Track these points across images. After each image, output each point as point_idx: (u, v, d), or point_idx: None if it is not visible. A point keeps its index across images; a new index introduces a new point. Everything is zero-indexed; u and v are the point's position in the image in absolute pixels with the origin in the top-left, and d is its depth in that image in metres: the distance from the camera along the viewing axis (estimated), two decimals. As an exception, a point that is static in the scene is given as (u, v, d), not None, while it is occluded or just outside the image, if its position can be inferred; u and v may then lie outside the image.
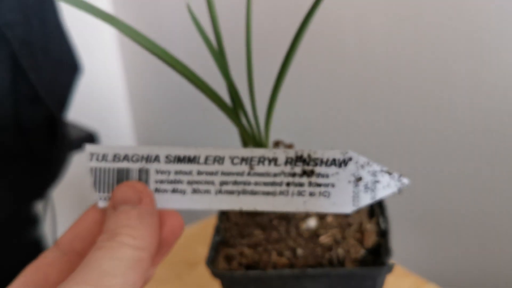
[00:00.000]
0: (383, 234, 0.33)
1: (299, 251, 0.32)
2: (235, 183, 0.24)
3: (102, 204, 0.25)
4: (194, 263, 0.56)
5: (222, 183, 0.24)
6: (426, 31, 0.52)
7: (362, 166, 0.25)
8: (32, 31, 0.53)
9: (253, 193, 0.24)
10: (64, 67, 0.57)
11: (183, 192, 0.25)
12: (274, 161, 0.24)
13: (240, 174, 0.24)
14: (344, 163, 0.25)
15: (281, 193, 0.24)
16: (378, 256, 0.32)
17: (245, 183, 0.24)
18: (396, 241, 0.35)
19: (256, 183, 0.24)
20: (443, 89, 0.53)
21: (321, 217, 0.35)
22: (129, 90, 0.98)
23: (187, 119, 0.87)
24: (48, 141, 0.58)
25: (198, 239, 0.57)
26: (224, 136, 0.79)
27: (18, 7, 0.52)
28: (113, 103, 0.97)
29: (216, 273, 0.31)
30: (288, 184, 0.24)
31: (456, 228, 0.57)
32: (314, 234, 0.33)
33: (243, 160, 0.24)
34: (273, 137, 0.34)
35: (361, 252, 0.32)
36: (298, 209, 0.24)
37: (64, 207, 0.87)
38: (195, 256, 0.56)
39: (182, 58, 0.29)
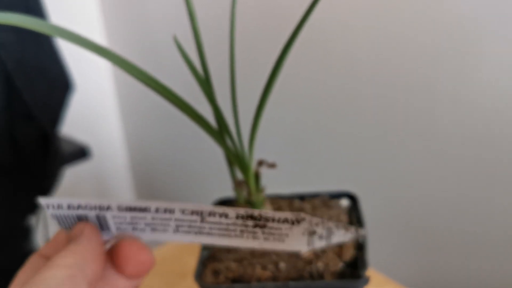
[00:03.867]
0: (360, 248, 0.35)
1: (282, 265, 0.34)
2: (190, 226, 0.26)
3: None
4: (184, 274, 0.57)
5: (178, 226, 0.26)
6: (411, 42, 0.54)
7: (316, 225, 0.27)
8: (26, 50, 0.55)
9: (209, 234, 0.26)
10: (57, 85, 0.59)
11: (143, 230, 0.27)
12: (224, 215, 0.26)
13: (193, 221, 0.26)
14: (296, 222, 0.27)
15: (236, 236, 0.26)
16: (355, 268, 0.34)
17: (199, 227, 0.26)
18: (377, 249, 0.37)
19: (211, 228, 0.26)
20: (428, 102, 0.55)
21: (303, 232, 0.37)
22: (120, 105, 1.00)
23: (177, 132, 0.89)
24: (41, 156, 0.59)
25: (188, 251, 0.59)
26: (215, 148, 0.81)
27: (12, 27, 0.54)
28: (104, 117, 0.99)
29: (204, 287, 0.33)
30: (242, 231, 0.26)
31: (436, 236, 0.59)
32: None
33: (194, 212, 0.26)
34: (257, 155, 0.36)
35: (340, 265, 0.34)
36: (254, 247, 0.26)
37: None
38: (185, 267, 0.58)
39: (170, 84, 0.31)
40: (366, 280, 0.32)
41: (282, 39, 0.31)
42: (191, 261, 0.58)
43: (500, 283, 0.56)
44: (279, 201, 0.41)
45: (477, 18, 0.48)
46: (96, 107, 0.95)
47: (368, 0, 0.55)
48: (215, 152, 0.81)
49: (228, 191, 0.43)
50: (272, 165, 0.36)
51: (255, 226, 0.26)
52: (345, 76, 0.60)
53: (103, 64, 0.95)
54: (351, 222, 0.38)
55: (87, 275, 0.24)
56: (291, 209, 0.40)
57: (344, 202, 0.41)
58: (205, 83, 0.32)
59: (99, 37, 0.90)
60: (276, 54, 0.31)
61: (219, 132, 0.34)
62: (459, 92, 0.52)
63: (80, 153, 0.68)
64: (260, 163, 0.36)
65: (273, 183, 0.42)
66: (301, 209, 0.40)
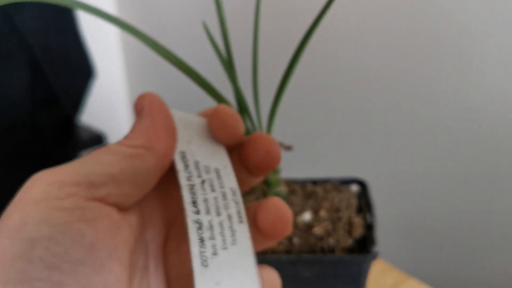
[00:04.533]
0: (369, 228, 0.37)
1: (295, 240, 0.36)
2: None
3: None
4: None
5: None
6: (417, 46, 0.56)
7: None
8: (51, 38, 0.57)
9: None
10: (80, 72, 0.61)
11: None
12: None
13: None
14: None
15: None
16: (364, 246, 0.36)
17: None
18: (380, 237, 0.39)
19: None
20: (432, 102, 0.57)
21: (315, 211, 0.39)
22: (132, 94, 1.03)
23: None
24: (61, 142, 0.62)
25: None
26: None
27: (39, 16, 0.56)
28: (118, 106, 1.01)
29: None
30: None
31: (438, 225, 0.61)
32: (309, 226, 0.37)
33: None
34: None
35: (349, 242, 0.36)
36: None
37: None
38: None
39: (192, 65, 0.33)
40: (375, 255, 0.34)
41: (303, 29, 0.33)
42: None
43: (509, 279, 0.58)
44: (293, 184, 0.43)
45: (479, 23, 0.50)
46: (110, 95, 0.98)
47: (375, 6, 0.57)
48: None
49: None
50: (288, 148, 0.38)
51: None
52: (356, 74, 0.63)
53: (117, 55, 0.97)
54: (360, 206, 0.40)
55: (152, 154, 0.21)
56: (304, 192, 0.42)
57: (354, 188, 0.43)
58: (228, 65, 0.35)
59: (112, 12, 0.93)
60: (297, 42, 0.33)
61: (240, 112, 0.36)
62: (462, 93, 0.54)
63: (97, 140, 0.71)
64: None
65: (285, 169, 0.45)
66: (313, 192, 0.42)
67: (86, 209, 0.18)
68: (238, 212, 0.22)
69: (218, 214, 0.21)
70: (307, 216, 0.38)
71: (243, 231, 0.21)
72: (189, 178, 0.22)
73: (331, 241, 0.36)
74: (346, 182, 0.44)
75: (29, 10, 0.55)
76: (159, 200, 0.24)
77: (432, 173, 0.60)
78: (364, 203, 0.40)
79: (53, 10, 0.57)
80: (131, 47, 0.93)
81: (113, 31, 0.91)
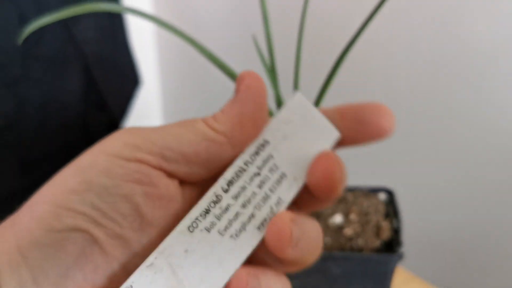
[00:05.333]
0: (396, 232, 0.40)
1: (326, 240, 0.39)
2: None
3: None
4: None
5: None
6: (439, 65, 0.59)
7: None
8: (104, 47, 0.62)
9: None
10: (128, 79, 0.65)
11: None
12: None
13: None
14: None
15: None
16: (391, 248, 0.39)
17: None
18: (405, 247, 0.41)
19: None
20: (454, 119, 0.60)
21: (346, 214, 0.42)
22: (164, 100, 1.07)
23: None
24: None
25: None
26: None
27: (94, 26, 0.61)
28: (152, 113, 1.05)
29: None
30: None
31: (463, 236, 0.63)
32: (339, 228, 0.40)
33: None
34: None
35: (377, 243, 0.39)
36: None
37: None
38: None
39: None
40: (401, 256, 0.37)
41: (343, 43, 0.37)
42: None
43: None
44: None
45: (494, 39, 0.53)
46: (142, 103, 1.02)
47: (404, 30, 0.60)
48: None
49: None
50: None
51: None
52: (386, 89, 0.66)
53: (152, 59, 1.02)
54: (387, 212, 0.43)
55: (230, 143, 0.21)
56: (335, 196, 0.45)
57: (382, 196, 0.46)
58: (271, 72, 0.38)
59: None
60: (339, 50, 0.36)
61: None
62: (477, 109, 0.56)
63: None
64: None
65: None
66: (344, 198, 0.45)
67: (146, 175, 0.19)
68: (264, 220, 0.21)
69: (244, 206, 0.21)
70: (338, 218, 0.41)
71: (252, 238, 0.20)
72: (246, 163, 0.21)
73: (360, 241, 0.39)
74: (375, 190, 0.46)
75: (85, 21, 0.60)
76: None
77: (457, 186, 0.62)
78: (391, 210, 0.43)
79: (107, 21, 0.62)
80: (166, 54, 0.98)
81: (147, 40, 0.95)
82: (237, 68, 0.41)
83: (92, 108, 0.62)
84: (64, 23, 0.59)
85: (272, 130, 0.22)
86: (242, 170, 0.21)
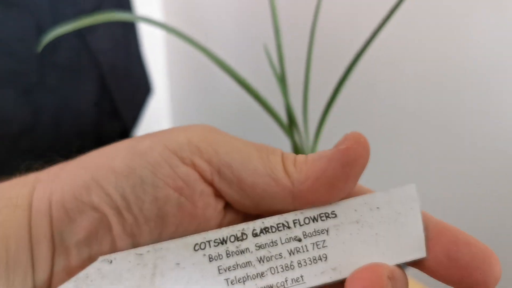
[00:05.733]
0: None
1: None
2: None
3: None
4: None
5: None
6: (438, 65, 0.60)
7: None
8: (118, 56, 0.64)
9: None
10: (140, 88, 0.67)
11: None
12: None
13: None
14: None
15: None
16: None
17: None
18: None
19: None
20: (454, 131, 0.60)
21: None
22: (173, 107, 1.08)
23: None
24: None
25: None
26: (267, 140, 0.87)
27: (109, 36, 0.63)
28: (159, 117, 1.07)
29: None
30: None
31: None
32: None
33: None
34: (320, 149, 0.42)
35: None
36: None
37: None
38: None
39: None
40: (405, 265, 0.37)
41: (353, 52, 0.38)
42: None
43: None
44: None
45: (501, 53, 0.54)
46: (154, 111, 1.04)
47: (413, 44, 0.61)
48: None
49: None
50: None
51: None
52: (394, 101, 0.66)
53: (161, 69, 1.03)
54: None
55: (295, 195, 0.18)
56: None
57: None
58: (281, 80, 0.39)
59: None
60: (350, 57, 0.37)
61: (289, 126, 0.40)
62: (485, 114, 0.57)
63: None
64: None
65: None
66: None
67: (191, 187, 0.18)
68: (270, 287, 0.18)
69: (260, 261, 0.18)
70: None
71: None
72: (295, 222, 0.19)
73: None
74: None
75: (100, 30, 0.61)
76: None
77: (464, 191, 0.62)
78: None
79: (121, 30, 0.64)
80: (175, 61, 0.99)
81: (157, 47, 0.96)
82: (248, 76, 0.42)
83: (105, 116, 0.63)
84: (79, 33, 0.60)
85: (349, 206, 0.19)
86: (285, 227, 0.19)
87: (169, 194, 0.18)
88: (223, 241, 0.18)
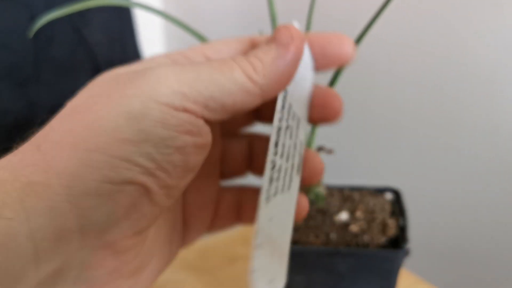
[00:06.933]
0: (402, 230, 0.40)
1: (332, 236, 0.39)
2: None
3: None
4: (232, 259, 0.62)
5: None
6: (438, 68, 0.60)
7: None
8: (114, 49, 0.63)
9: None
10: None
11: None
12: None
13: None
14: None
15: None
16: (397, 245, 0.39)
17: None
18: (411, 250, 0.41)
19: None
20: (464, 124, 0.60)
21: (352, 211, 0.42)
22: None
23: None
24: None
25: (240, 239, 0.64)
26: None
27: (105, 28, 0.62)
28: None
29: (264, 246, 0.39)
30: None
31: (471, 241, 0.63)
32: (345, 225, 0.41)
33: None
34: (317, 143, 0.42)
35: (383, 240, 0.39)
36: None
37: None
38: (234, 253, 0.63)
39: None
40: (406, 252, 0.37)
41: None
42: (240, 250, 0.63)
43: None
44: (331, 189, 0.46)
45: (501, 43, 0.54)
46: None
47: (412, 40, 0.61)
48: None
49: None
50: (330, 151, 0.42)
51: None
52: (392, 95, 0.66)
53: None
54: (394, 212, 0.43)
55: (262, 96, 0.22)
56: (342, 195, 0.45)
57: (388, 196, 0.46)
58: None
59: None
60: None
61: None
62: (487, 110, 0.57)
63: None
64: (320, 148, 0.42)
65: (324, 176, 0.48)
66: (350, 196, 0.45)
67: (195, 125, 0.20)
68: (299, 164, 0.23)
69: (287, 160, 0.22)
70: (344, 215, 0.41)
71: (296, 182, 0.23)
72: (280, 120, 0.22)
73: (366, 238, 0.39)
74: (381, 190, 0.47)
75: (96, 22, 0.61)
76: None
77: (465, 188, 0.62)
78: (397, 209, 0.43)
79: (118, 23, 0.63)
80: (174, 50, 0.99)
81: (156, 36, 0.96)
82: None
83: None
84: (74, 26, 0.60)
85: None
86: (279, 129, 0.22)
87: (185, 139, 0.20)
88: (271, 179, 0.21)
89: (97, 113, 0.20)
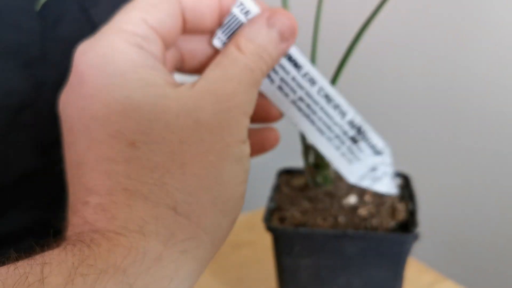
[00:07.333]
0: (411, 214, 0.40)
1: (340, 219, 0.39)
2: (308, 106, 0.31)
3: (217, 43, 0.29)
4: (237, 246, 0.62)
5: (300, 98, 0.30)
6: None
7: (382, 164, 0.32)
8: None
9: (314, 123, 0.31)
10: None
11: (272, 81, 0.29)
12: (342, 114, 0.31)
13: (317, 104, 0.31)
14: (379, 153, 0.32)
15: (330, 138, 0.31)
16: (406, 229, 0.38)
17: (314, 112, 0.31)
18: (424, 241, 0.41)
19: (320, 119, 0.31)
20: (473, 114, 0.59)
21: (361, 195, 0.41)
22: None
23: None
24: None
25: (245, 226, 0.64)
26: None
27: (113, 10, 0.61)
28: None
29: (270, 228, 0.38)
30: (337, 136, 0.31)
31: (478, 228, 0.62)
32: (354, 208, 0.40)
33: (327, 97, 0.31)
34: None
35: (392, 223, 0.38)
36: (331, 156, 0.32)
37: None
38: (238, 240, 0.63)
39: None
40: (416, 236, 0.37)
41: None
42: (246, 235, 0.62)
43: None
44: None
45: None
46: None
47: (419, 31, 0.60)
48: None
49: (290, 160, 0.47)
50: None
51: (351, 138, 0.32)
52: (399, 78, 0.65)
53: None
54: (403, 196, 0.43)
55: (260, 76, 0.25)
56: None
57: (397, 181, 0.45)
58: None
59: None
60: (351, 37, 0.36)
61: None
62: (497, 100, 0.56)
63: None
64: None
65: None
66: (359, 180, 0.44)
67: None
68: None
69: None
70: (352, 199, 0.41)
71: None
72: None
73: (374, 222, 0.38)
74: (390, 175, 0.46)
75: (104, 3, 0.60)
76: None
77: (474, 178, 0.62)
78: (407, 194, 0.43)
79: (125, 3, 0.62)
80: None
81: None
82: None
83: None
84: (82, 5, 0.59)
85: None
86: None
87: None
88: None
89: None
